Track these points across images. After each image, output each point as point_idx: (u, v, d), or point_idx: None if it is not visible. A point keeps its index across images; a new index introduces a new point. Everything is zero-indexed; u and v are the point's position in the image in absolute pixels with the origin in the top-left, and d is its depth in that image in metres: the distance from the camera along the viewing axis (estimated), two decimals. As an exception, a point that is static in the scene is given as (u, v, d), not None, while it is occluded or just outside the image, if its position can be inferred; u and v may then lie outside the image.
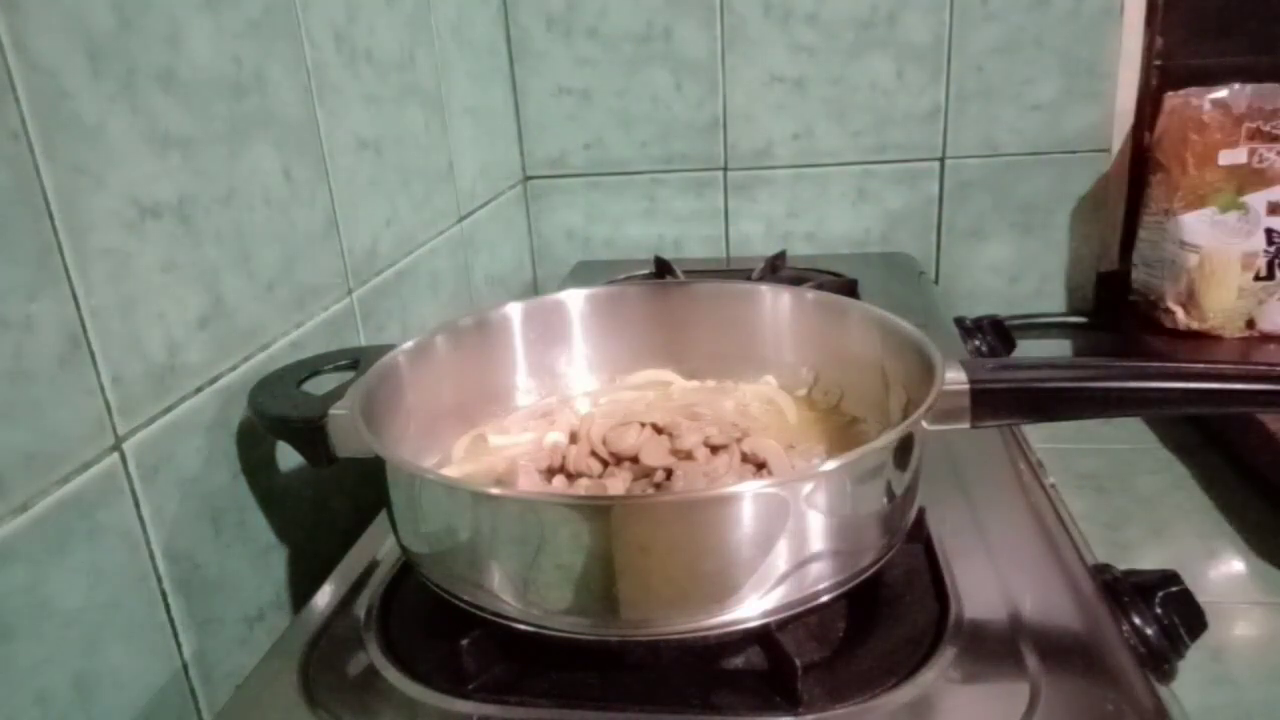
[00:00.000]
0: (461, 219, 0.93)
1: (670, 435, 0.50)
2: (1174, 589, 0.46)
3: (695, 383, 0.64)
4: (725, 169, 1.12)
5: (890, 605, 0.46)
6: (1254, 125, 0.93)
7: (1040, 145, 1.06)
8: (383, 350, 0.54)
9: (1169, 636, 0.45)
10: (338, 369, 0.57)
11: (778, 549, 0.39)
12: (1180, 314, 0.98)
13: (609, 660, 0.44)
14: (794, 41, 1.06)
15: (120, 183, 0.46)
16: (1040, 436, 0.82)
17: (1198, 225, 0.95)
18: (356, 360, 0.57)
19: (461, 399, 0.59)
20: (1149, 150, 1.02)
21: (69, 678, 0.42)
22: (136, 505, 0.46)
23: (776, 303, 0.64)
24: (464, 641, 0.43)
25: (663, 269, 1.02)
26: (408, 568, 0.51)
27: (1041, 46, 1.03)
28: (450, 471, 0.55)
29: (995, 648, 0.43)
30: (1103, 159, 1.06)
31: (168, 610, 0.48)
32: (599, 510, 0.40)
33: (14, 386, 0.39)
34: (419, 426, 0.55)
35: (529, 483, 0.49)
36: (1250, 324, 0.97)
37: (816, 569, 0.41)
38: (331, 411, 0.49)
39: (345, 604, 0.50)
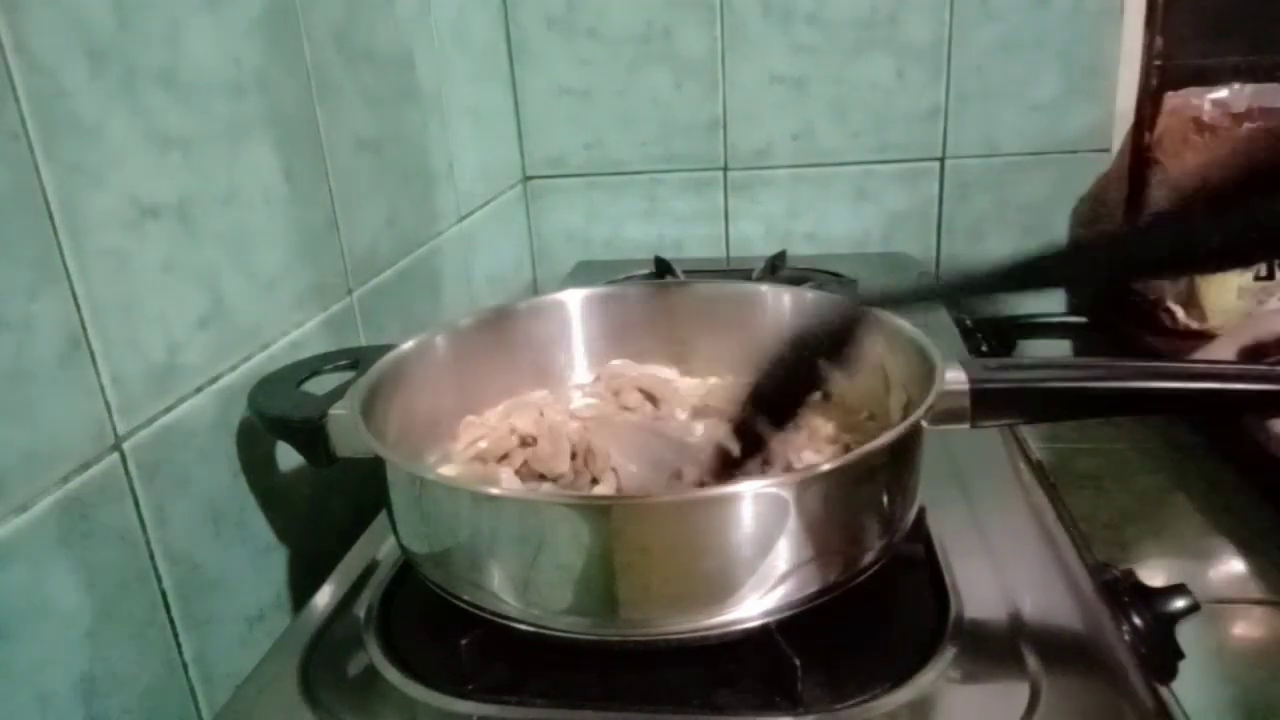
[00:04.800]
0: (461, 219, 0.93)
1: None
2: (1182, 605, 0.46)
3: (696, 380, 0.64)
4: (725, 169, 1.12)
5: (890, 605, 0.46)
6: (1254, 125, 0.93)
7: (1040, 145, 1.06)
8: (383, 350, 0.54)
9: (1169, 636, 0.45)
10: (338, 369, 0.57)
11: (778, 549, 0.39)
12: (1180, 314, 0.98)
13: (609, 660, 0.44)
14: (794, 41, 1.06)
15: (120, 183, 0.45)
16: (1040, 436, 0.82)
17: (1198, 225, 0.95)
18: (356, 360, 0.57)
19: (461, 399, 0.59)
20: (1149, 150, 1.02)
21: (69, 678, 0.42)
22: (136, 505, 0.46)
23: (776, 303, 0.64)
24: (464, 641, 0.43)
25: (663, 269, 1.02)
26: (408, 568, 0.51)
27: (1041, 46, 1.02)
28: (449, 471, 0.55)
29: (995, 648, 0.43)
30: (1103, 159, 1.06)
31: (168, 610, 0.48)
32: (599, 510, 0.40)
33: (14, 386, 0.39)
34: (419, 426, 0.55)
35: (510, 482, 0.49)
36: (1250, 324, 0.97)
37: (816, 569, 0.41)
38: (331, 411, 0.49)
39: (345, 604, 0.50)
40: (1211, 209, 0.29)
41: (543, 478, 0.52)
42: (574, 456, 0.52)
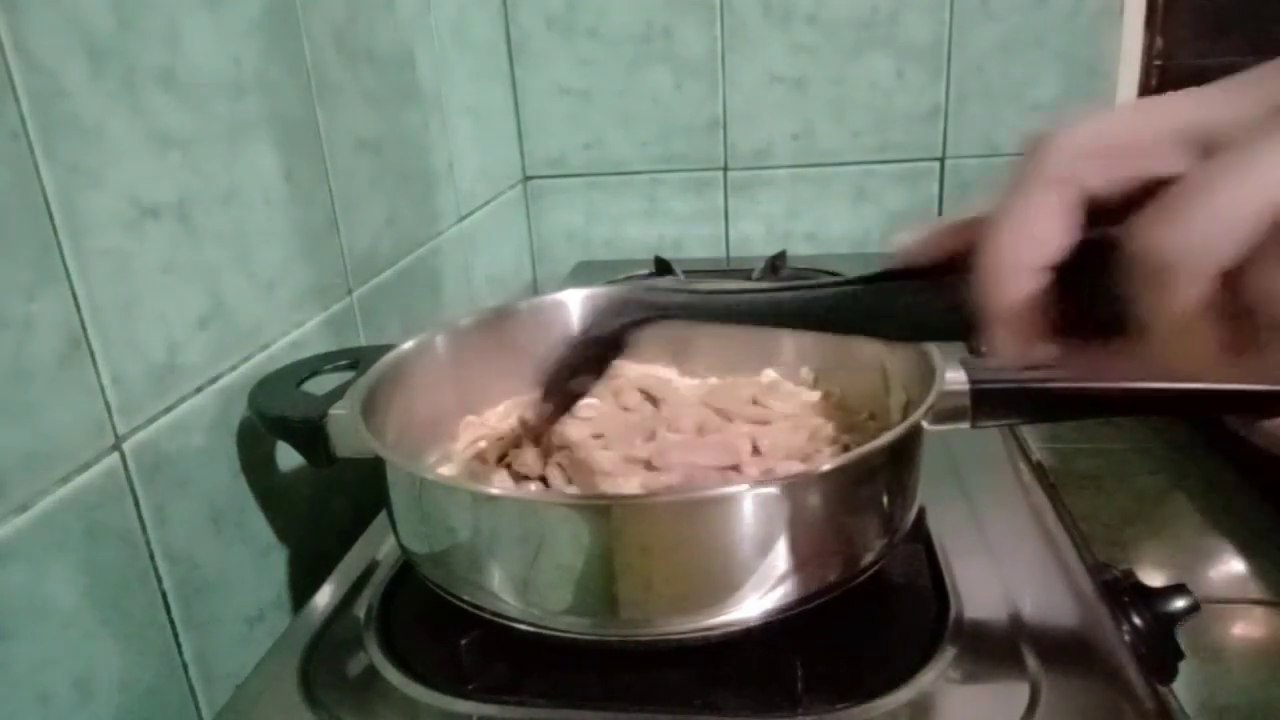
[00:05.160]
0: (461, 219, 0.93)
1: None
2: (1182, 605, 0.46)
3: (696, 380, 0.64)
4: (725, 169, 1.12)
5: (890, 605, 0.46)
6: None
7: (1040, 145, 1.06)
8: (383, 350, 0.54)
9: (1168, 636, 0.45)
10: (338, 369, 0.57)
11: (778, 549, 0.39)
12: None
13: (609, 660, 0.44)
14: (794, 41, 1.06)
15: (120, 183, 0.45)
16: (1040, 436, 0.83)
17: (1198, 225, 0.95)
18: (356, 360, 0.57)
19: (461, 399, 0.59)
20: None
21: (69, 678, 0.42)
22: (136, 505, 0.46)
23: (777, 303, 0.64)
24: (464, 641, 0.43)
25: (663, 269, 1.02)
26: (408, 568, 0.51)
27: (1041, 46, 1.02)
28: (449, 471, 0.55)
29: (995, 648, 0.43)
30: (1103, 159, 1.06)
31: (168, 610, 0.48)
32: (599, 510, 0.40)
33: (14, 386, 0.39)
34: (419, 426, 0.55)
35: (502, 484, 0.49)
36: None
37: (816, 569, 0.41)
38: (331, 411, 0.49)
39: (345, 604, 0.50)
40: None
41: (525, 478, 0.52)
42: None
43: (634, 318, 0.41)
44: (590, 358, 0.44)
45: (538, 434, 0.52)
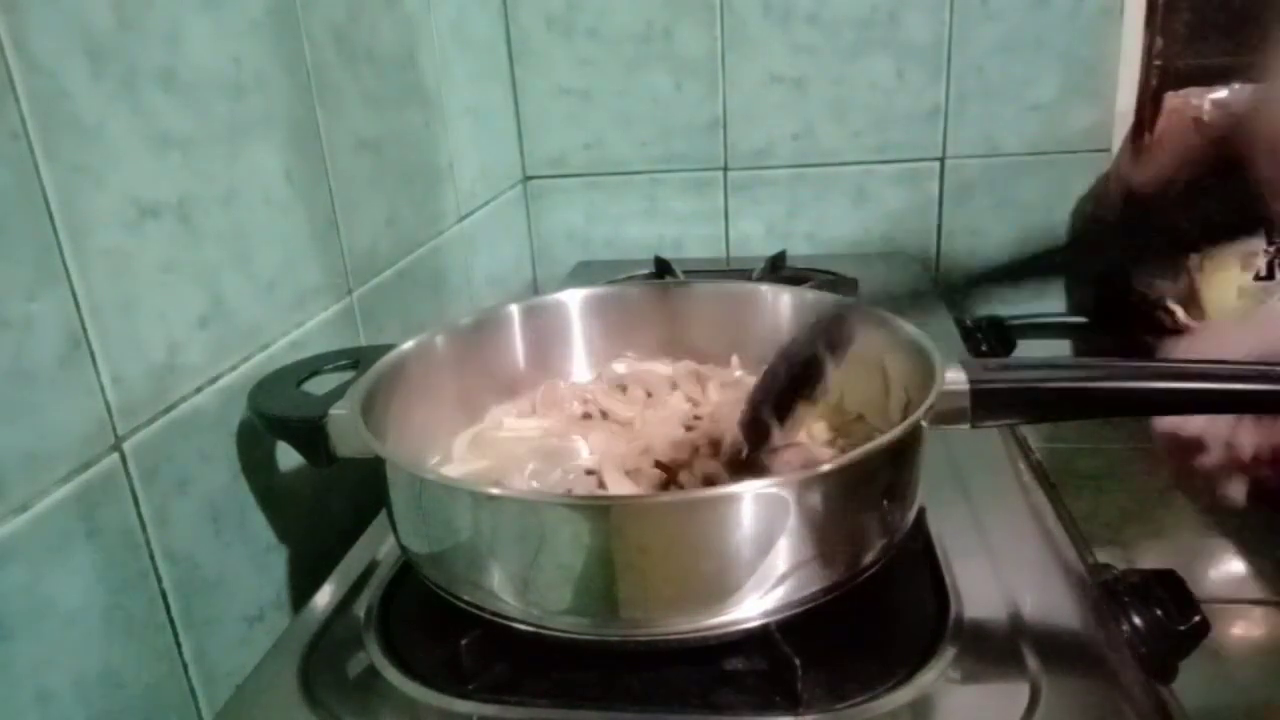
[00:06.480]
0: (461, 219, 0.93)
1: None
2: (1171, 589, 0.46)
3: (693, 363, 0.64)
4: (725, 169, 1.12)
5: (890, 605, 0.46)
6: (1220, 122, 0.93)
7: (1040, 145, 1.06)
8: (383, 350, 0.54)
9: (1169, 636, 0.45)
10: (338, 369, 0.57)
11: (778, 549, 0.39)
12: (1180, 313, 0.98)
13: (609, 660, 0.44)
14: (794, 41, 1.06)
15: (120, 183, 0.45)
16: (1040, 436, 0.83)
17: (1198, 225, 0.95)
18: (356, 360, 0.57)
19: (461, 398, 0.59)
20: (1149, 150, 1.02)
21: (69, 678, 0.42)
22: (136, 505, 0.46)
23: (776, 302, 0.64)
24: (464, 641, 0.43)
25: (663, 269, 1.02)
26: (408, 568, 0.51)
27: (1041, 46, 1.02)
28: (451, 470, 0.55)
29: (995, 648, 0.43)
30: (1103, 159, 1.06)
31: (168, 610, 0.48)
32: (599, 510, 0.40)
33: (14, 386, 0.39)
34: (419, 426, 0.55)
35: (616, 483, 0.49)
36: (1250, 324, 0.97)
37: (816, 569, 0.41)
38: (331, 411, 0.49)
39: (345, 604, 0.50)
40: (1188, 195, 0.31)
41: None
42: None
43: None
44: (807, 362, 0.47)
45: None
